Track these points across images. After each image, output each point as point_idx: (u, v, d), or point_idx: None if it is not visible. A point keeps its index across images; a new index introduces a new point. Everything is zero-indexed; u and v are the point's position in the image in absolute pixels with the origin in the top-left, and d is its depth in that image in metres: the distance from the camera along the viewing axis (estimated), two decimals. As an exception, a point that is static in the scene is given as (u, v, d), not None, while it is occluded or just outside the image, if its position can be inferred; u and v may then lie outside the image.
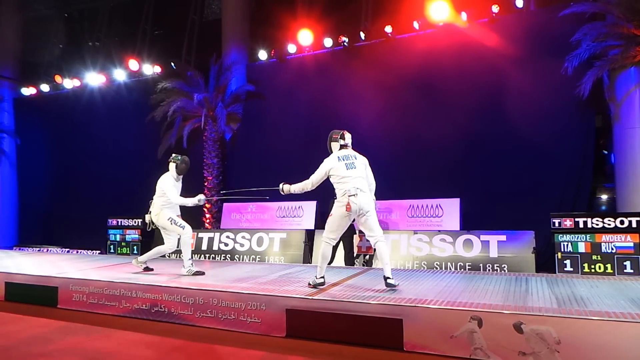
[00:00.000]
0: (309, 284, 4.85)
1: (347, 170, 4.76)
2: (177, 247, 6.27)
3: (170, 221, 5.98)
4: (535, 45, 8.39)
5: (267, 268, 6.75)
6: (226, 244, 9.28)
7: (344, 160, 4.83)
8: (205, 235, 9.58)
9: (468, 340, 3.58)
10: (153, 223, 6.18)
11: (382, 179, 9.06)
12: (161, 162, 11.57)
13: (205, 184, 11.25)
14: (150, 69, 12.31)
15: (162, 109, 11.07)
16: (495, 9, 8.71)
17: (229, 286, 4.94)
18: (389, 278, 4.62)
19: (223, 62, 11.38)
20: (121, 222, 10.35)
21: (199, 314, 4.72)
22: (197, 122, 11.09)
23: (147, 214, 6.23)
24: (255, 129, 11.20)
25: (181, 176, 6.22)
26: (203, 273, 5.93)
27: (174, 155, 6.31)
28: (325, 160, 4.92)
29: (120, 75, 12.79)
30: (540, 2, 9.12)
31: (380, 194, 9.16)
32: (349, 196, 4.62)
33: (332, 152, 5.02)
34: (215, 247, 9.36)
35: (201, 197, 6.01)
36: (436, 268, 7.39)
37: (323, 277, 4.84)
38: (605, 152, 8.89)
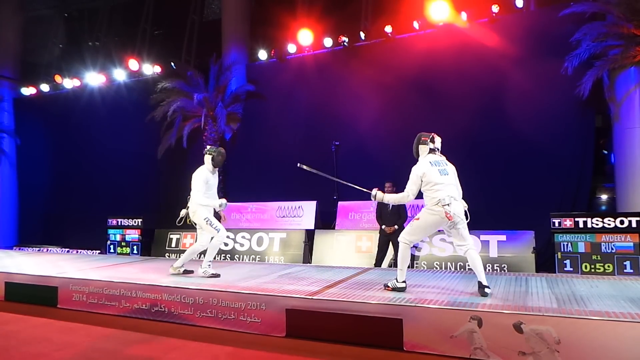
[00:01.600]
0: (387, 287, 4.62)
1: (441, 176, 4.45)
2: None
3: (206, 221, 5.75)
4: (535, 45, 8.39)
5: (267, 268, 6.75)
6: (226, 244, 9.26)
7: (436, 165, 4.51)
8: (205, 235, 9.55)
9: (468, 340, 3.58)
10: (188, 218, 5.92)
11: (382, 179, 9.12)
12: (161, 161, 11.60)
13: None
14: (150, 69, 12.31)
15: (162, 109, 11.07)
16: (495, 9, 8.71)
17: (229, 286, 4.93)
18: (487, 287, 4.30)
19: (223, 62, 11.38)
20: (121, 221, 10.35)
21: (199, 314, 4.72)
22: (197, 122, 11.09)
23: (184, 208, 5.95)
24: (255, 129, 11.20)
25: (217, 169, 5.95)
26: (219, 275, 5.74)
27: (209, 147, 6.04)
28: (416, 166, 4.61)
29: (120, 75, 12.79)
30: (540, 2, 9.12)
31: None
32: (444, 205, 4.30)
33: (418, 156, 4.71)
34: (222, 247, 9.35)
35: (223, 201, 5.75)
36: (436, 268, 7.39)
37: (405, 282, 4.56)
38: (605, 152, 8.89)
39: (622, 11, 7.33)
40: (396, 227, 7.19)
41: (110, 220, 10.49)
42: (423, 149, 4.68)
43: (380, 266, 7.26)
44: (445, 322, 3.70)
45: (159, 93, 11.17)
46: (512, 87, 8.50)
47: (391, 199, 4.76)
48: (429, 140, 4.67)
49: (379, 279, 5.34)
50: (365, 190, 4.96)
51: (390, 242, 7.25)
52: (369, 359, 3.77)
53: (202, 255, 5.96)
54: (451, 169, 4.64)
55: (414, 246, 7.52)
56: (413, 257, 7.59)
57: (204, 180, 5.76)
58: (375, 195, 4.78)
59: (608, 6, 7.50)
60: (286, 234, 8.84)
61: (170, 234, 9.90)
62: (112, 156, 12.51)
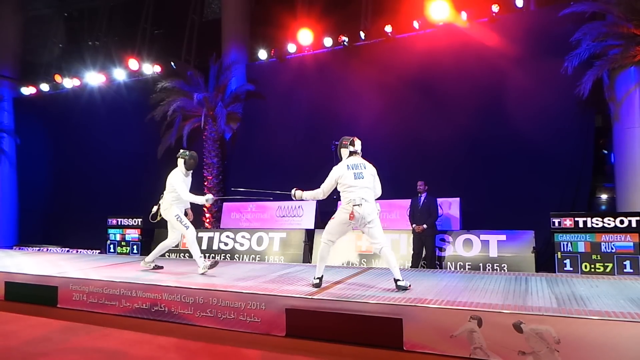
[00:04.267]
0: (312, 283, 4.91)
1: (355, 179, 4.76)
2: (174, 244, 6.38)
3: (177, 218, 6.01)
4: (535, 44, 8.39)
5: (267, 267, 6.75)
6: (226, 244, 9.28)
7: (353, 169, 4.82)
8: (205, 235, 9.57)
9: (468, 340, 3.58)
10: (159, 215, 6.18)
11: (382, 179, 9.05)
12: (161, 161, 11.58)
13: (205, 183, 11.25)
14: (150, 69, 12.31)
15: (162, 109, 11.07)
16: (495, 8, 8.71)
17: (229, 286, 4.93)
18: (399, 280, 4.60)
19: (223, 61, 11.38)
20: (121, 221, 10.35)
21: (199, 314, 4.72)
22: (197, 121, 11.09)
23: (155, 205, 6.21)
24: (255, 129, 11.20)
25: (190, 172, 6.18)
26: (217, 262, 6.08)
27: (182, 150, 6.28)
28: (335, 168, 4.91)
29: (120, 74, 12.79)
30: (540, 2, 9.12)
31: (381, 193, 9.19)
32: (354, 205, 4.65)
33: (341, 159, 4.98)
34: (215, 247, 9.36)
35: (209, 196, 5.95)
36: (436, 267, 7.38)
37: (320, 278, 4.85)
38: (605, 151, 8.89)
39: (622, 11, 7.33)
40: (425, 226, 7.20)
41: (110, 220, 10.50)
42: (344, 152, 4.99)
43: (417, 267, 7.26)
44: (445, 321, 3.70)
45: (158, 93, 11.18)
46: (512, 86, 8.51)
47: (308, 195, 5.05)
48: (349, 144, 4.98)
49: (379, 279, 5.35)
50: (286, 193, 5.23)
51: (423, 242, 7.26)
52: (368, 358, 3.77)
53: (187, 255, 6.23)
54: (369, 171, 4.89)
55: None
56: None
57: (182, 180, 5.98)
58: (294, 194, 5.10)
59: (608, 6, 7.50)
60: (286, 233, 8.84)
61: (170, 233, 9.89)
62: (112, 156, 12.52)
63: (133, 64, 12.38)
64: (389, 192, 9.03)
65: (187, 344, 4.21)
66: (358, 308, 4.06)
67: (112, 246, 10.37)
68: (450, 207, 8.05)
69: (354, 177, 4.78)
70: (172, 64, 12.09)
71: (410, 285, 4.65)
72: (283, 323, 4.31)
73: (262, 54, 11.18)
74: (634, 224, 6.40)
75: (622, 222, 6.47)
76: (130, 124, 12.17)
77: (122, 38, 14.86)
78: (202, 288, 4.83)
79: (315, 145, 10.14)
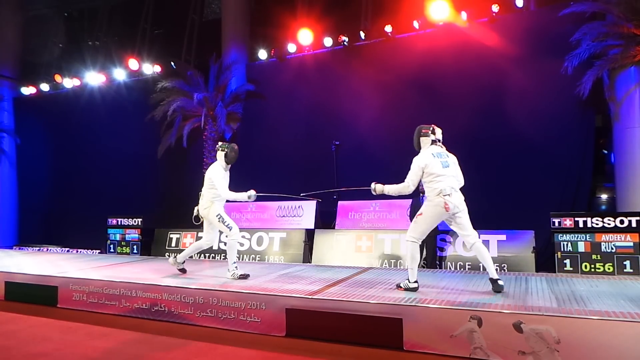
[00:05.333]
0: (399, 287, 4.61)
1: (443, 168, 4.48)
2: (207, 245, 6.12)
3: (219, 218, 5.62)
4: (535, 44, 8.38)
5: (267, 267, 6.75)
6: (226, 244, 9.26)
7: (438, 157, 4.55)
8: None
9: (468, 340, 3.59)
10: (201, 216, 5.81)
11: (382, 178, 9.04)
12: (161, 161, 11.60)
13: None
14: (150, 69, 12.30)
15: (162, 109, 11.06)
16: (495, 8, 8.69)
17: (229, 285, 4.94)
18: (498, 280, 4.35)
19: (223, 61, 11.38)
20: (121, 221, 10.34)
21: (199, 313, 4.73)
22: (197, 121, 11.09)
23: (195, 206, 5.86)
24: (255, 129, 11.20)
25: (229, 166, 5.82)
26: (248, 276, 5.57)
27: (221, 143, 5.88)
28: (417, 157, 4.63)
29: (120, 74, 12.78)
30: (540, 2, 9.11)
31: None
32: (444, 195, 4.38)
33: (419, 149, 4.73)
34: (215, 247, 9.34)
35: (252, 192, 5.49)
36: (436, 267, 7.38)
37: (417, 282, 4.54)
38: (605, 151, 8.89)
39: (622, 11, 7.32)
40: None
41: (110, 220, 10.48)
42: (425, 141, 4.70)
43: (418, 267, 7.19)
44: (445, 321, 3.71)
45: (158, 93, 11.17)
46: (512, 86, 8.50)
47: (392, 189, 4.72)
48: (430, 132, 4.68)
49: (379, 279, 5.35)
50: (365, 188, 4.94)
51: (424, 242, 7.19)
52: (368, 358, 3.77)
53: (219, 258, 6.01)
54: (452, 160, 4.67)
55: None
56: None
57: (222, 176, 5.63)
58: (375, 188, 4.80)
59: (608, 6, 7.49)
60: (286, 233, 8.83)
61: (171, 233, 9.90)
62: (112, 156, 12.51)
63: (133, 63, 12.38)
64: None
65: (187, 343, 4.21)
66: (358, 308, 4.07)
67: (112, 246, 10.36)
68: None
69: (442, 165, 4.49)
70: (172, 64, 12.09)
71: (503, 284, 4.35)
72: (283, 323, 4.31)
73: (262, 54, 11.17)
74: (634, 224, 6.39)
75: (622, 222, 6.47)
76: (130, 124, 12.16)
77: (122, 38, 14.86)
78: (202, 288, 4.84)
79: (316, 145, 10.15)
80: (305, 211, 9.17)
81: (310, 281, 5.27)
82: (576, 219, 6.72)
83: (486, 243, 7.25)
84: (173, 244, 9.76)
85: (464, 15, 8.97)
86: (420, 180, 4.65)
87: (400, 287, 4.60)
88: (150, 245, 10.02)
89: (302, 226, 8.97)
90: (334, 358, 3.79)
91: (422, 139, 4.71)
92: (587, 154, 8.13)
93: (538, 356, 3.36)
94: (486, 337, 3.53)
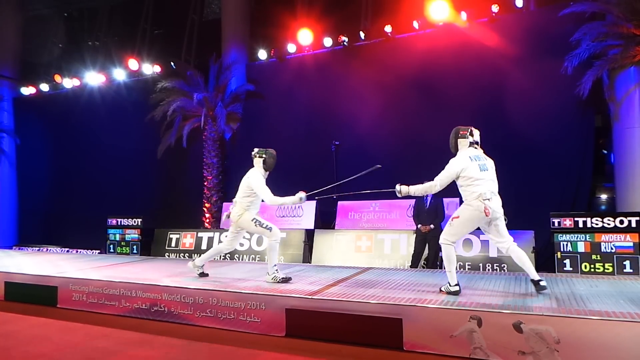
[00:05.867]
0: (441, 291, 4.44)
1: (481, 172, 4.33)
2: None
3: (255, 222, 5.30)
4: (535, 45, 8.38)
5: (266, 268, 6.74)
6: (241, 244, 9.25)
7: (476, 160, 4.39)
8: (205, 235, 9.57)
9: (467, 340, 3.59)
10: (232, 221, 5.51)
11: (382, 178, 9.08)
12: (161, 161, 11.60)
13: (205, 183, 11.25)
14: (150, 69, 12.30)
15: (162, 109, 11.06)
16: (495, 8, 8.70)
17: (229, 286, 4.94)
18: (540, 281, 4.24)
19: (223, 61, 11.38)
20: (121, 221, 10.34)
21: (198, 314, 4.73)
22: (197, 121, 11.09)
23: (226, 213, 5.59)
24: (255, 129, 11.19)
25: (267, 173, 5.51)
26: (290, 279, 5.24)
27: (258, 149, 5.57)
28: (454, 159, 4.47)
29: (119, 74, 12.79)
30: (540, 2, 9.11)
31: (379, 193, 9.17)
32: (484, 200, 4.22)
33: (456, 151, 4.57)
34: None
35: (302, 194, 5.15)
36: (436, 268, 7.38)
37: (458, 285, 4.35)
38: (605, 151, 8.89)
39: (622, 11, 7.32)
40: (432, 226, 7.07)
41: (110, 220, 10.49)
42: (463, 143, 4.52)
43: (416, 267, 7.14)
44: (445, 321, 3.71)
45: (158, 93, 11.17)
46: (512, 86, 8.50)
47: (417, 189, 4.58)
48: (468, 134, 4.51)
49: (379, 279, 5.35)
50: (390, 190, 4.82)
51: (427, 243, 7.16)
52: (368, 358, 3.77)
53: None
54: (490, 163, 4.51)
55: (413, 246, 7.56)
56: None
57: (264, 183, 5.34)
58: (400, 190, 4.64)
59: (608, 6, 7.49)
60: (286, 233, 8.82)
61: (170, 233, 9.90)
62: (112, 156, 12.52)
63: (133, 64, 12.38)
64: (389, 192, 9.04)
65: (187, 344, 4.21)
66: (358, 308, 4.06)
67: (112, 246, 10.37)
68: (449, 207, 8.04)
69: (479, 169, 4.33)
70: (172, 64, 12.10)
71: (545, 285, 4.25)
72: (283, 323, 4.31)
73: (262, 54, 11.18)
74: (633, 224, 6.39)
75: (621, 222, 6.47)
76: (130, 124, 12.17)
77: (122, 38, 14.86)
78: (201, 288, 4.84)
79: (316, 145, 10.15)
80: (305, 211, 9.18)
81: (310, 281, 5.26)
82: (576, 219, 6.72)
83: (486, 243, 7.28)
84: (173, 244, 9.77)
85: (463, 15, 8.98)
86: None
87: (442, 290, 4.42)
88: (150, 246, 10.02)
89: (301, 226, 8.98)
90: (334, 358, 3.79)
91: (459, 140, 4.54)
92: (587, 154, 8.13)
93: (538, 356, 3.36)
94: (486, 337, 3.53)
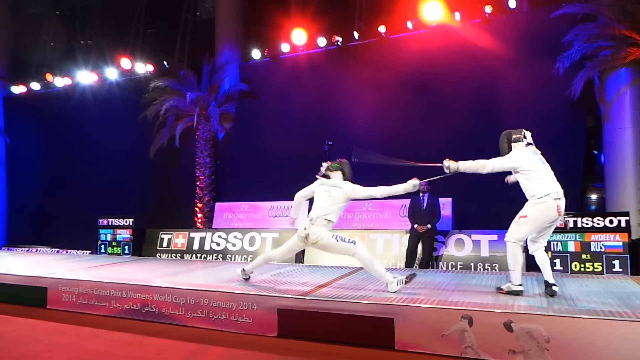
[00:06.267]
0: (500, 290, 4.33)
1: (544, 164, 4.23)
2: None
3: (336, 238, 4.74)
4: (528, 45, 8.44)
5: (259, 268, 6.71)
6: (218, 244, 9.24)
7: (536, 155, 4.29)
8: (197, 235, 9.53)
9: (459, 339, 3.59)
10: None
11: (375, 178, 9.00)
12: (153, 161, 11.53)
13: (198, 183, 11.21)
14: (143, 68, 12.24)
15: (155, 108, 11.02)
16: (488, 9, 8.75)
17: (221, 286, 4.91)
18: (554, 285, 4.16)
19: (216, 61, 11.35)
20: (112, 221, 10.27)
21: (189, 314, 4.70)
22: (190, 121, 11.05)
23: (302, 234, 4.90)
24: (248, 129, 11.17)
25: None
26: (411, 277, 4.99)
27: (330, 163, 5.30)
28: (516, 152, 4.29)
29: (112, 73, 12.71)
30: (532, 3, 9.17)
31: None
32: (556, 199, 4.10)
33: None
34: (207, 247, 9.33)
35: (415, 181, 4.75)
36: (429, 268, 7.40)
37: (521, 284, 4.21)
38: (595, 152, 8.96)
39: (614, 12, 7.39)
40: (429, 226, 7.08)
41: (101, 220, 10.41)
42: (517, 147, 4.36)
43: (411, 267, 7.14)
44: (437, 321, 3.71)
45: (151, 92, 11.12)
46: (505, 87, 8.55)
47: (468, 166, 4.31)
48: (522, 137, 4.35)
49: (371, 279, 5.35)
50: (434, 164, 4.52)
51: (421, 242, 7.17)
52: (360, 358, 3.77)
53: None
54: (547, 166, 4.37)
55: (405, 246, 7.58)
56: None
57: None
58: (449, 165, 4.35)
59: (600, 7, 7.56)
60: (279, 233, 8.82)
61: (162, 233, 9.85)
62: (104, 155, 12.44)
63: (125, 63, 12.31)
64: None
65: (178, 345, 4.19)
66: (350, 308, 4.06)
67: (103, 246, 10.29)
68: (443, 207, 8.07)
69: (541, 162, 4.24)
70: (165, 63, 12.05)
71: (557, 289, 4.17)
72: (275, 323, 4.30)
73: (256, 54, 11.16)
74: (623, 224, 6.45)
75: (611, 222, 6.52)
76: (122, 124, 12.10)
77: (114, 37, 14.77)
78: (193, 288, 4.81)
79: (309, 145, 10.12)
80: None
81: (302, 281, 5.26)
82: (567, 218, 6.76)
83: (477, 243, 7.31)
84: (165, 244, 9.72)
85: (457, 16, 9.02)
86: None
87: (502, 289, 4.30)
88: (142, 246, 9.97)
89: (295, 226, 8.95)
90: (326, 358, 3.78)
91: (514, 144, 4.36)
92: (578, 154, 8.21)
93: (528, 355, 3.38)
94: (477, 336, 3.54)
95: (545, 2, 8.63)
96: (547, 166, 4.33)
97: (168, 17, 14.19)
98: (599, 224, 6.55)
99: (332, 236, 4.73)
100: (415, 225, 7.18)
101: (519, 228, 4.26)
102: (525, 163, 4.21)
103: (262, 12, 12.04)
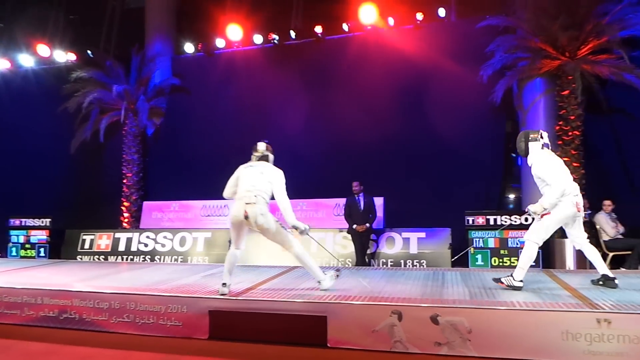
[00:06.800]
0: (499, 281, 4.40)
1: (565, 168, 4.33)
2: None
3: (279, 224, 4.61)
4: (456, 53, 8.91)
5: (189, 269, 6.51)
6: (146, 245, 8.83)
7: (552, 155, 4.40)
8: (123, 236, 9.04)
9: (389, 334, 3.70)
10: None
11: (309, 178, 9.14)
12: (75, 157, 10.76)
13: (124, 181, 10.63)
14: (64, 56, 11.39)
15: (77, 100, 10.32)
16: (419, 16, 9.12)
17: (148, 288, 4.69)
18: (615, 278, 4.27)
19: (146, 52, 10.85)
20: (25, 222, 9.43)
21: (114, 319, 4.43)
22: (116, 115, 10.46)
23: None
24: (180, 125, 10.78)
25: None
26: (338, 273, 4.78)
27: (267, 144, 5.04)
28: (543, 157, 4.37)
29: (27, 60, 11.68)
30: (460, 14, 9.67)
31: (307, 193, 9.24)
32: (574, 196, 4.21)
33: (526, 155, 4.52)
34: (134, 248, 8.88)
35: (306, 227, 4.61)
36: (365, 265, 7.56)
37: (522, 281, 4.33)
38: (514, 155, 9.65)
39: (530, 27, 7.99)
40: (367, 225, 7.18)
41: (12, 221, 9.52)
42: (535, 146, 4.45)
43: (362, 264, 7.18)
44: (368, 317, 3.80)
45: (73, 83, 10.38)
46: (434, 92, 8.95)
47: (549, 201, 4.25)
48: (538, 136, 4.46)
49: (305, 277, 5.37)
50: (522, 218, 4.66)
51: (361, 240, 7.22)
52: (293, 357, 3.77)
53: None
54: None
55: (339, 244, 7.71)
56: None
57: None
58: (535, 211, 4.35)
59: (518, 21, 8.14)
60: (211, 233, 8.60)
61: (84, 234, 9.22)
62: (17, 149, 11.40)
63: (43, 49, 11.39)
64: (315, 191, 9.16)
65: (101, 352, 3.94)
66: (283, 307, 4.04)
67: (14, 249, 9.42)
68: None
69: (563, 165, 4.35)
70: (89, 52, 11.29)
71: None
72: (206, 325, 4.17)
73: (189, 48, 10.80)
74: (530, 220, 7.01)
75: (526, 219, 7.05)
76: (40, 116, 11.18)
77: (30, 20, 13.54)
78: (118, 292, 4.55)
79: (244, 143, 9.88)
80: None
81: (235, 282, 5.14)
82: (487, 217, 7.23)
83: (407, 240, 7.59)
84: (87, 246, 9.11)
85: (390, 21, 9.31)
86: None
87: (502, 282, 4.38)
88: (61, 248, 9.26)
89: (227, 226, 8.77)
90: (258, 359, 3.74)
91: (531, 144, 4.46)
92: (498, 157, 8.83)
93: (452, 346, 3.56)
94: (406, 330, 3.67)
95: (472, 13, 9.15)
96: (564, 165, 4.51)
97: (93, 3, 13.27)
98: (515, 221, 7.05)
99: (275, 220, 4.57)
100: (355, 226, 7.27)
101: (543, 228, 4.34)
102: (560, 166, 4.38)
103: (196, 5, 11.65)
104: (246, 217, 4.42)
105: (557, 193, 4.19)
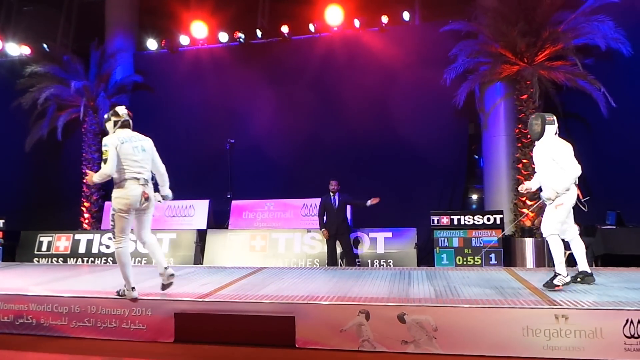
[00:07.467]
0: (556, 288, 4.22)
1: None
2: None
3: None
4: (420, 56, 9.09)
5: (154, 270, 6.32)
6: (107, 246, 8.54)
7: None
8: (83, 237, 8.71)
9: (356, 334, 3.75)
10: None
11: (277, 178, 9.08)
12: (29, 155, 10.28)
13: (85, 180, 10.23)
14: (17, 49, 10.85)
15: (32, 96, 9.84)
16: (384, 19, 9.25)
17: (110, 292, 4.54)
18: (592, 274, 4.41)
19: (106, 48, 10.48)
20: (-25, 223, 8.93)
21: (74, 324, 4.27)
22: (75, 112, 10.05)
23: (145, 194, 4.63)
24: (143, 123, 10.24)
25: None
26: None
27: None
28: (558, 143, 4.36)
29: (-25, 52, 11.06)
30: (424, 17, 9.88)
31: (274, 193, 9.18)
32: (576, 185, 4.28)
33: (539, 137, 4.46)
34: (95, 250, 8.58)
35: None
36: (348, 265, 7.54)
37: (569, 275, 4.28)
38: (476, 156, 9.95)
39: (491, 32, 8.24)
40: (378, 199, 7.02)
41: (-39, 222, 9.00)
42: (551, 129, 4.44)
43: (336, 265, 7.07)
44: (336, 317, 3.82)
45: (27, 77, 9.89)
46: (399, 93, 9.10)
47: (561, 186, 4.25)
48: (554, 121, 4.47)
49: (273, 278, 5.35)
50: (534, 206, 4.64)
51: (338, 242, 7.09)
52: (261, 359, 3.75)
53: None
54: None
55: (307, 244, 7.71)
56: (306, 255, 7.64)
57: None
58: (549, 197, 4.33)
59: (480, 27, 8.38)
60: (176, 234, 8.42)
61: (41, 236, 8.82)
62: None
63: (-6, 42, 10.81)
64: (283, 191, 9.13)
65: (60, 358, 3.79)
66: (250, 308, 4.02)
67: (-37, 252, 8.90)
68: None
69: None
70: (45, 46, 10.80)
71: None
72: (172, 328, 4.09)
73: (152, 44, 10.52)
74: (498, 221, 7.26)
75: (488, 219, 7.31)
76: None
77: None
78: (78, 296, 4.39)
79: (210, 142, 9.82)
80: (197, 211, 8.85)
81: (201, 283, 5.08)
82: (452, 217, 7.43)
83: (374, 240, 7.69)
84: (44, 248, 8.73)
85: (356, 23, 9.39)
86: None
87: (558, 285, 4.23)
88: (15, 250, 8.83)
89: (193, 226, 8.63)
90: (225, 361, 3.70)
91: (548, 127, 4.42)
92: (461, 158, 9.08)
93: (418, 344, 3.63)
94: (373, 329, 3.72)
95: (435, 17, 9.36)
96: None
97: (50, -6, 12.71)
98: (478, 221, 7.29)
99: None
100: (323, 230, 7.09)
101: (558, 217, 4.33)
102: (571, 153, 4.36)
103: (159, 0, 11.35)
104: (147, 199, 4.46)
105: (572, 177, 4.25)
